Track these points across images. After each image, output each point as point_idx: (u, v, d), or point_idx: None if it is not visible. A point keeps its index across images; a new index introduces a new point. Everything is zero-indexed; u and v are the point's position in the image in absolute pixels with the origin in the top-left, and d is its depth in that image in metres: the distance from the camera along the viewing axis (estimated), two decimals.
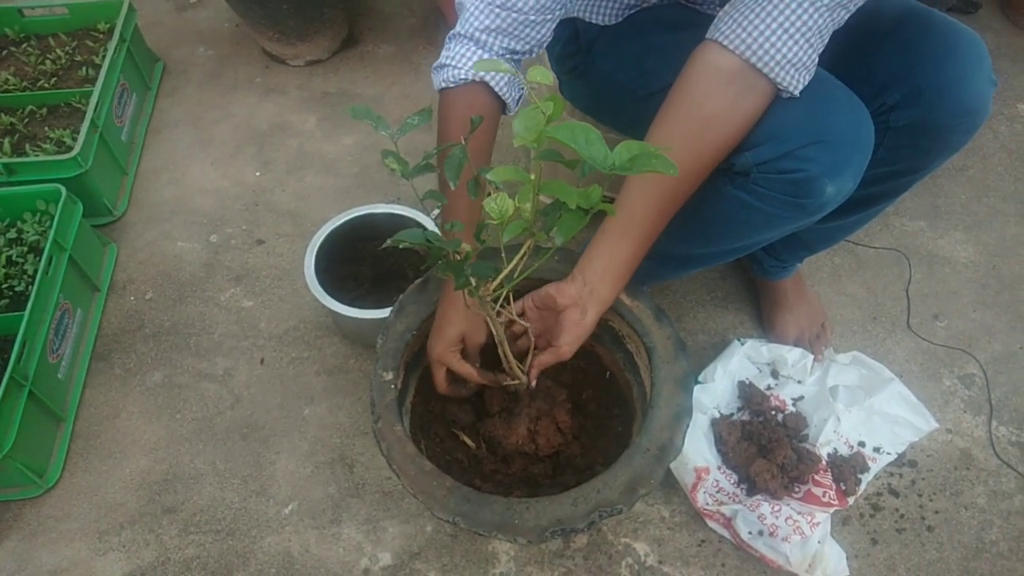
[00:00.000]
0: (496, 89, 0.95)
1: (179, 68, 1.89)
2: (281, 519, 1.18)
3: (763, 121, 0.87)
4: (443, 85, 0.96)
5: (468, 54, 0.94)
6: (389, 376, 0.98)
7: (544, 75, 0.61)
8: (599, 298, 0.95)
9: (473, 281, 0.76)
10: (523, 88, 1.04)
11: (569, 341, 0.95)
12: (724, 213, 0.98)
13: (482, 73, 0.95)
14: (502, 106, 0.99)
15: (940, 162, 1.03)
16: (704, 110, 0.85)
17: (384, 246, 0.73)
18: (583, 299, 0.94)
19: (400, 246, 0.71)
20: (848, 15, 0.84)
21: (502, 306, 0.87)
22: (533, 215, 0.69)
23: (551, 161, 0.66)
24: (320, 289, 1.23)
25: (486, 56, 0.94)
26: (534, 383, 1.00)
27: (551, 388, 1.10)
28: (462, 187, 0.80)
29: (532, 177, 0.66)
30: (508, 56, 0.96)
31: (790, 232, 1.01)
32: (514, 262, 0.77)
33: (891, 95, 0.97)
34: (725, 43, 0.83)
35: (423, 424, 1.08)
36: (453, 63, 0.94)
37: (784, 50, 0.81)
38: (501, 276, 0.77)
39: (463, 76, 0.94)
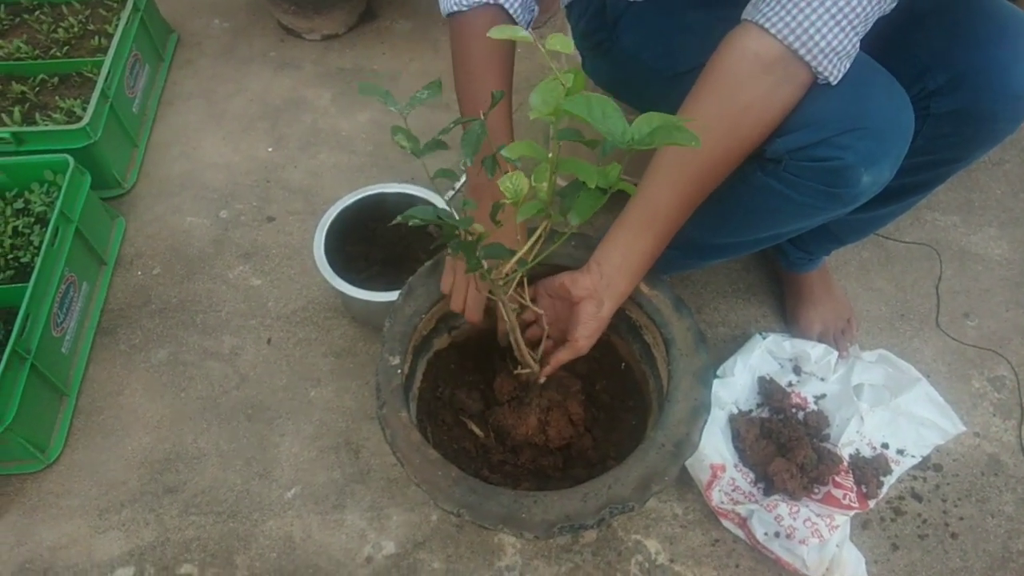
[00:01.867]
0: (510, 10, 0.91)
1: (193, 40, 1.85)
2: (284, 503, 1.15)
3: (798, 107, 0.82)
4: (453, 8, 0.92)
5: None
6: (396, 360, 0.94)
7: (564, 44, 0.57)
8: (616, 291, 0.91)
9: (485, 264, 0.72)
10: (535, 9, 0.99)
11: (586, 335, 0.91)
12: (753, 201, 0.93)
13: None
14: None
15: (983, 152, 0.98)
16: (740, 98, 0.80)
17: (394, 223, 0.69)
18: (599, 291, 0.90)
19: (411, 223, 0.67)
20: (895, 3, 0.78)
21: (515, 291, 0.83)
22: (550, 195, 0.65)
23: (572, 140, 0.62)
24: (329, 269, 1.20)
25: None
26: (543, 379, 0.96)
27: (564, 378, 1.07)
28: (479, 158, 0.76)
29: (550, 155, 0.62)
30: None
31: (822, 222, 0.97)
32: (529, 244, 0.73)
33: (932, 79, 0.91)
34: (767, 26, 0.77)
35: (430, 411, 1.05)
36: None
37: (829, 37, 0.76)
38: (515, 259, 0.73)
39: None
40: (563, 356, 0.93)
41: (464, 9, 0.92)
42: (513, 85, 0.99)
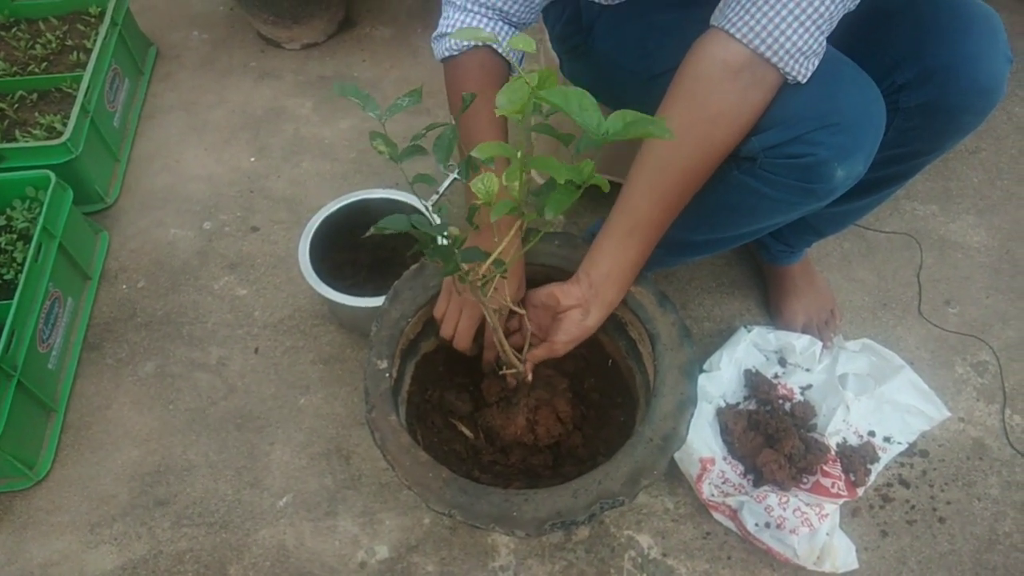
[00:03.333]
0: (499, 51, 0.93)
1: (172, 53, 1.85)
2: (276, 511, 1.15)
3: (770, 105, 0.83)
4: (446, 54, 0.94)
5: (467, 20, 0.92)
6: (384, 364, 0.95)
7: (527, 43, 0.58)
8: (604, 301, 0.93)
9: (464, 267, 0.73)
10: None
11: (565, 340, 0.92)
12: (730, 199, 0.94)
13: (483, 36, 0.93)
14: (508, 67, 0.96)
15: (953, 144, 0.99)
16: (711, 107, 0.82)
17: (367, 235, 0.70)
18: (587, 301, 0.92)
19: (385, 233, 0.67)
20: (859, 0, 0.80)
21: (496, 292, 0.84)
22: (521, 193, 0.65)
23: (546, 135, 0.63)
24: (315, 277, 1.20)
25: (483, 22, 0.92)
26: (529, 376, 0.97)
27: (551, 377, 1.07)
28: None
29: (519, 154, 0.63)
30: (503, 21, 0.94)
31: (799, 216, 0.98)
32: (503, 244, 0.74)
33: (901, 74, 0.93)
34: (732, 31, 0.78)
35: (420, 414, 1.05)
36: (453, 31, 0.92)
37: (795, 38, 0.77)
38: (490, 260, 0.74)
39: (465, 43, 0.92)
40: (538, 353, 0.94)
41: (456, 54, 0.95)
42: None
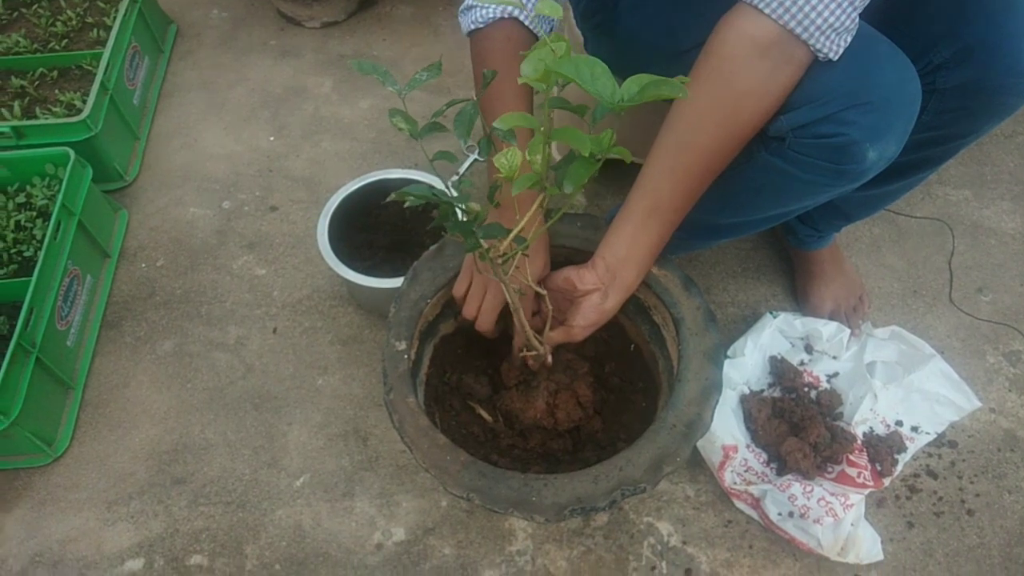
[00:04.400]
0: (527, 23, 0.90)
1: (192, 31, 1.84)
2: (293, 491, 1.15)
3: (800, 82, 0.80)
4: (472, 26, 0.92)
5: None
6: (402, 346, 0.93)
7: (552, 8, 0.56)
8: (622, 284, 0.90)
9: (485, 244, 0.71)
10: (553, 20, 0.98)
11: (584, 325, 0.90)
12: (757, 181, 0.92)
13: (510, 8, 0.90)
14: (536, 40, 0.94)
15: (991, 127, 0.95)
16: (737, 86, 0.78)
17: (388, 200, 0.68)
18: (604, 285, 0.89)
19: (407, 204, 0.66)
20: None
21: (517, 271, 0.82)
22: (544, 166, 0.63)
23: (560, 108, 0.61)
24: (334, 257, 1.18)
25: None
26: (549, 359, 0.95)
27: (572, 360, 1.05)
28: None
29: (542, 127, 0.61)
30: None
31: (829, 199, 0.95)
32: (525, 219, 0.72)
33: (938, 53, 0.89)
34: (761, 6, 0.75)
35: (438, 396, 1.04)
36: (479, 3, 0.90)
37: (826, 14, 0.73)
38: (511, 236, 0.72)
39: (491, 14, 0.90)
40: (555, 336, 0.92)
41: (482, 26, 0.92)
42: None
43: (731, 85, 0.79)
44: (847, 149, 0.80)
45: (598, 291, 0.89)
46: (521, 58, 0.94)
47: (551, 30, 0.96)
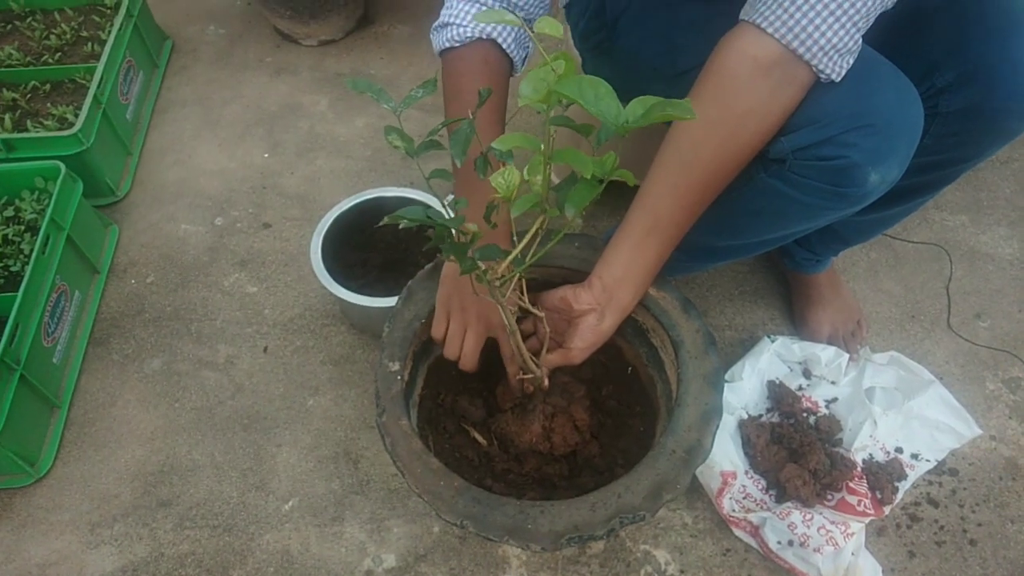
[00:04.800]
0: (504, 46, 0.89)
1: (188, 46, 1.83)
2: (281, 515, 1.12)
3: (801, 104, 0.79)
4: (446, 45, 0.90)
5: (471, 10, 0.88)
6: (395, 366, 0.91)
7: (553, 27, 0.55)
8: (619, 304, 0.89)
9: (481, 265, 0.69)
10: (529, 46, 0.97)
11: (581, 347, 0.89)
12: (757, 203, 0.90)
13: (488, 29, 0.89)
14: (511, 65, 0.93)
15: (994, 151, 0.95)
16: (739, 105, 0.78)
17: (382, 224, 0.66)
18: (601, 305, 0.88)
19: (401, 225, 0.64)
20: None
21: (514, 294, 0.80)
22: (545, 188, 0.62)
23: (563, 126, 0.60)
24: (327, 275, 1.17)
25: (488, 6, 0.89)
26: (546, 382, 0.93)
27: (568, 383, 1.03)
28: (469, 164, 0.74)
29: (543, 146, 0.60)
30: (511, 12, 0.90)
31: (828, 223, 0.94)
32: (524, 241, 0.70)
33: (941, 76, 0.88)
34: (764, 26, 0.74)
35: (432, 419, 1.02)
36: (456, 20, 0.88)
37: (829, 34, 0.73)
38: (510, 258, 0.70)
39: (468, 34, 0.88)
40: (553, 359, 0.91)
41: (457, 46, 0.91)
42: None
43: (733, 104, 0.78)
44: (848, 172, 0.79)
45: (594, 311, 0.88)
46: (497, 81, 0.93)
47: (526, 58, 0.95)
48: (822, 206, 0.85)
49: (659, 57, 0.99)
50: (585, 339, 0.89)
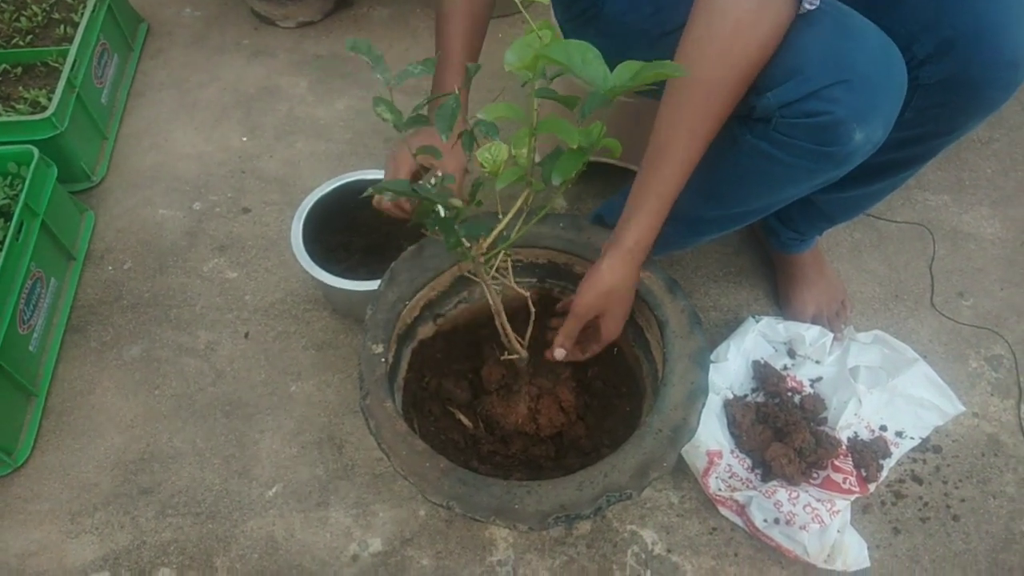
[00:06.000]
0: None
1: (164, 29, 1.79)
2: (265, 502, 1.10)
3: (785, 53, 0.79)
4: None
5: None
6: (379, 349, 0.90)
7: None
8: (619, 245, 0.88)
9: (466, 242, 0.68)
10: None
11: (584, 300, 0.89)
12: (742, 166, 0.90)
13: None
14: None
15: (975, 123, 0.94)
16: (728, 16, 0.76)
17: (366, 195, 0.65)
18: (603, 252, 0.88)
19: (387, 198, 0.63)
20: None
21: (499, 272, 0.79)
22: (530, 161, 0.61)
23: (548, 99, 0.59)
24: (308, 259, 1.15)
25: None
26: (559, 352, 0.93)
27: (553, 365, 1.03)
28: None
29: (529, 116, 0.59)
30: None
31: (814, 189, 0.93)
32: (509, 215, 0.69)
33: (921, 47, 0.88)
34: None
35: (416, 402, 1.01)
36: None
37: None
38: (495, 233, 0.69)
39: None
40: (566, 326, 0.92)
41: None
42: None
43: (724, 16, 0.77)
44: (833, 129, 0.79)
45: (592, 270, 0.88)
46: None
47: None
48: (807, 167, 0.85)
49: (646, 19, 0.97)
50: (584, 288, 0.88)
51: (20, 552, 1.06)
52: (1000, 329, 1.28)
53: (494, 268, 0.75)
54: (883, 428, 1.13)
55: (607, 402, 1.03)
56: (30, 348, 1.19)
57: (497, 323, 0.87)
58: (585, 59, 0.50)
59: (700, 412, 0.84)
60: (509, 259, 0.83)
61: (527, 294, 0.87)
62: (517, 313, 0.96)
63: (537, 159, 0.65)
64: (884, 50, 0.79)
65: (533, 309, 0.89)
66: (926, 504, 1.10)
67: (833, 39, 0.77)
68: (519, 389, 0.99)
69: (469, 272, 0.81)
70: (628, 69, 0.52)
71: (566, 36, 1.14)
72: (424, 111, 0.70)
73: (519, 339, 0.90)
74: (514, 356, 0.92)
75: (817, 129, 0.79)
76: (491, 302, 0.83)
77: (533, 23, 0.52)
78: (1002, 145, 1.56)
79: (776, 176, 0.88)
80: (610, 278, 0.88)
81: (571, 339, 0.93)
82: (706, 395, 0.86)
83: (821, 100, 0.77)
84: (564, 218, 1.02)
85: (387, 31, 1.80)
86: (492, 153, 0.62)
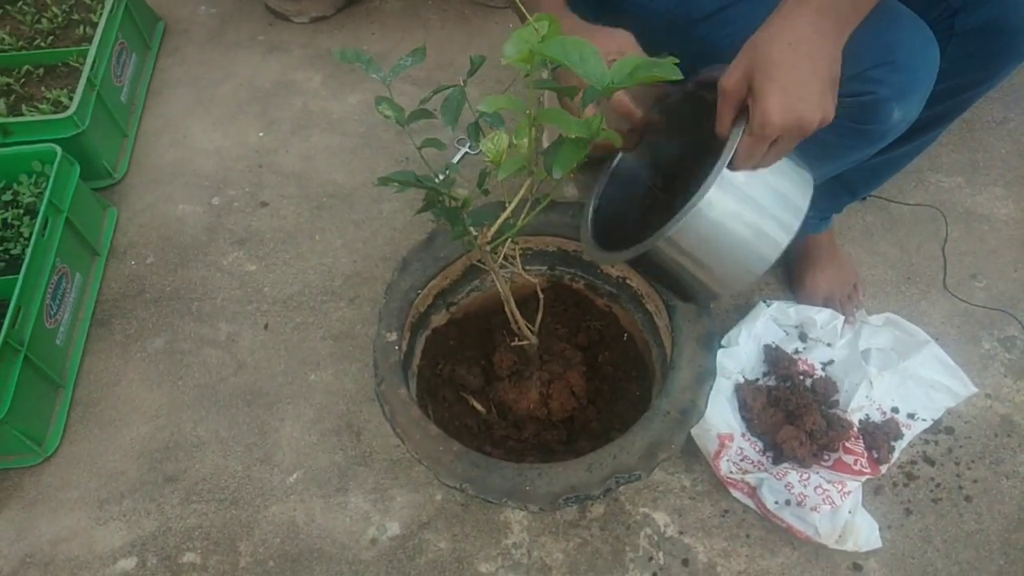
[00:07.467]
0: None
1: (180, 27, 1.82)
2: (286, 488, 1.13)
3: None
4: None
5: None
6: (393, 337, 0.92)
7: None
8: (764, 55, 0.69)
9: (472, 230, 0.70)
10: None
11: (728, 81, 0.71)
12: None
13: None
14: None
15: (1008, 71, 0.93)
16: None
17: (376, 184, 0.67)
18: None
19: (394, 190, 0.65)
20: None
21: (507, 260, 0.81)
22: (531, 150, 0.62)
23: (547, 89, 0.60)
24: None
25: None
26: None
27: (565, 350, 1.05)
28: None
29: (528, 110, 0.60)
30: None
31: (845, 167, 0.94)
32: (514, 203, 0.71)
33: None
34: None
35: (430, 388, 1.03)
36: None
37: None
38: (499, 221, 0.71)
39: None
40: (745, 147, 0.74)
41: None
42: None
43: None
44: (874, 108, 0.81)
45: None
46: None
47: None
48: (844, 144, 0.86)
49: (672, 7, 0.97)
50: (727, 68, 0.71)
51: (52, 538, 1.10)
52: (1014, 310, 1.28)
53: (501, 256, 0.77)
54: (895, 410, 1.14)
55: (617, 387, 1.05)
56: (57, 342, 1.23)
57: (507, 310, 0.88)
58: (583, 56, 0.52)
59: (707, 394, 0.86)
60: (517, 247, 0.84)
61: (535, 281, 0.89)
62: (527, 300, 0.98)
63: (546, 143, 0.66)
64: (919, 31, 0.81)
65: (541, 296, 0.90)
66: (938, 485, 1.11)
67: (874, 26, 0.77)
68: (530, 375, 1.01)
69: (478, 261, 0.83)
70: (625, 65, 0.53)
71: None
72: (428, 105, 0.72)
73: (528, 325, 0.92)
74: (524, 342, 0.93)
75: (858, 108, 0.81)
76: (500, 290, 0.84)
77: (529, 16, 0.53)
78: (1017, 125, 1.54)
79: (811, 155, 0.87)
80: (780, 31, 0.69)
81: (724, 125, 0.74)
82: (714, 378, 0.87)
83: (864, 81, 0.80)
84: (573, 206, 1.03)
85: (399, 24, 1.82)
86: (494, 142, 0.64)
